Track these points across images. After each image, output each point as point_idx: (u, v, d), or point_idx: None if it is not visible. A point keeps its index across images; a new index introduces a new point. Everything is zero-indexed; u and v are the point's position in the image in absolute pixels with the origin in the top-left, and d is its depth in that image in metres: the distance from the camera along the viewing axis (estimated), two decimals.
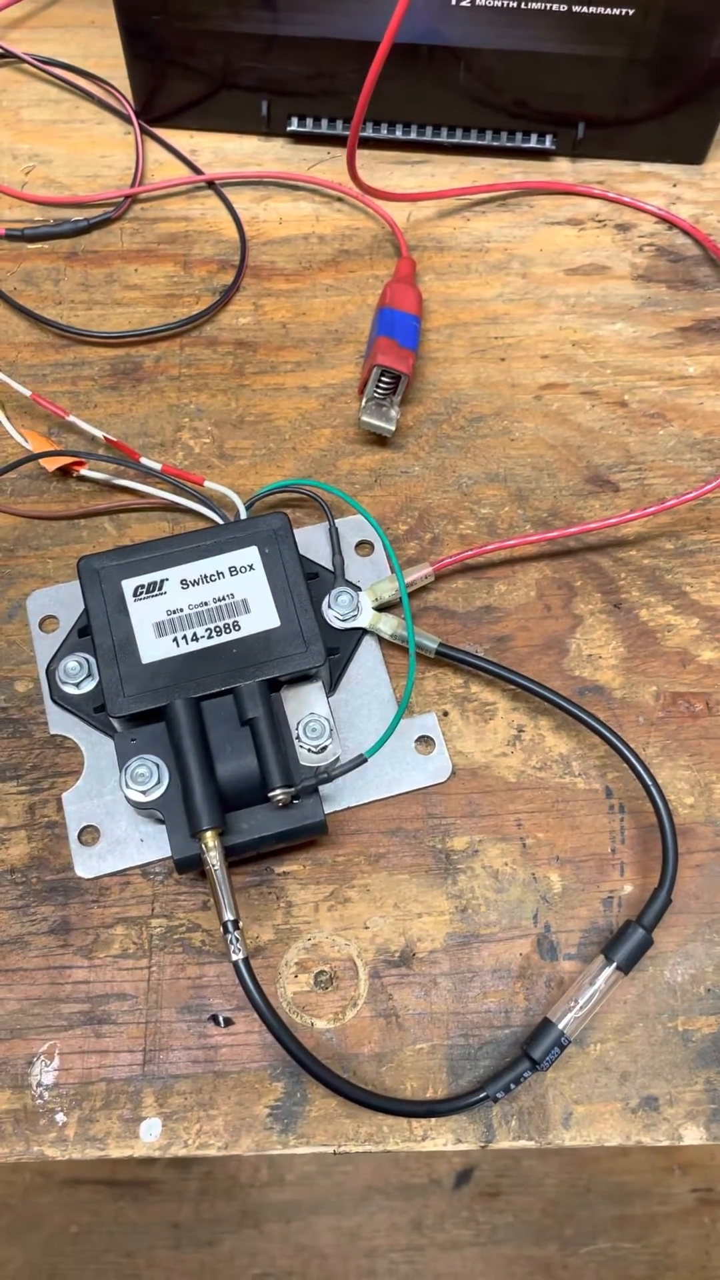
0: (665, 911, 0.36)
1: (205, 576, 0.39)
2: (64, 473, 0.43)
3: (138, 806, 0.37)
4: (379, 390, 0.43)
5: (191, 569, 0.39)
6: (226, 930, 0.34)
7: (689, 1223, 1.04)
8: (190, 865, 0.36)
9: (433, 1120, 0.35)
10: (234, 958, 0.34)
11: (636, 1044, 0.36)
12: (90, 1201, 1.04)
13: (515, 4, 0.44)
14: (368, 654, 0.41)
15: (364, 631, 0.41)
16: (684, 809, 0.39)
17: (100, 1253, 1.02)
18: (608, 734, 0.38)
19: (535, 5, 0.44)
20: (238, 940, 0.34)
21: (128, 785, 0.36)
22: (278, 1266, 1.02)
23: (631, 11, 0.44)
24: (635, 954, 0.35)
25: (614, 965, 0.35)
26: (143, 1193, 1.07)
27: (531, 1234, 1.05)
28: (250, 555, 0.39)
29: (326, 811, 0.38)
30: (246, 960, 0.34)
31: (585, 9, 0.44)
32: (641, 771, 0.37)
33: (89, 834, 0.38)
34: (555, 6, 0.44)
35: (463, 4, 0.44)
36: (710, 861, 0.38)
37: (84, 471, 0.43)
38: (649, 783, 0.37)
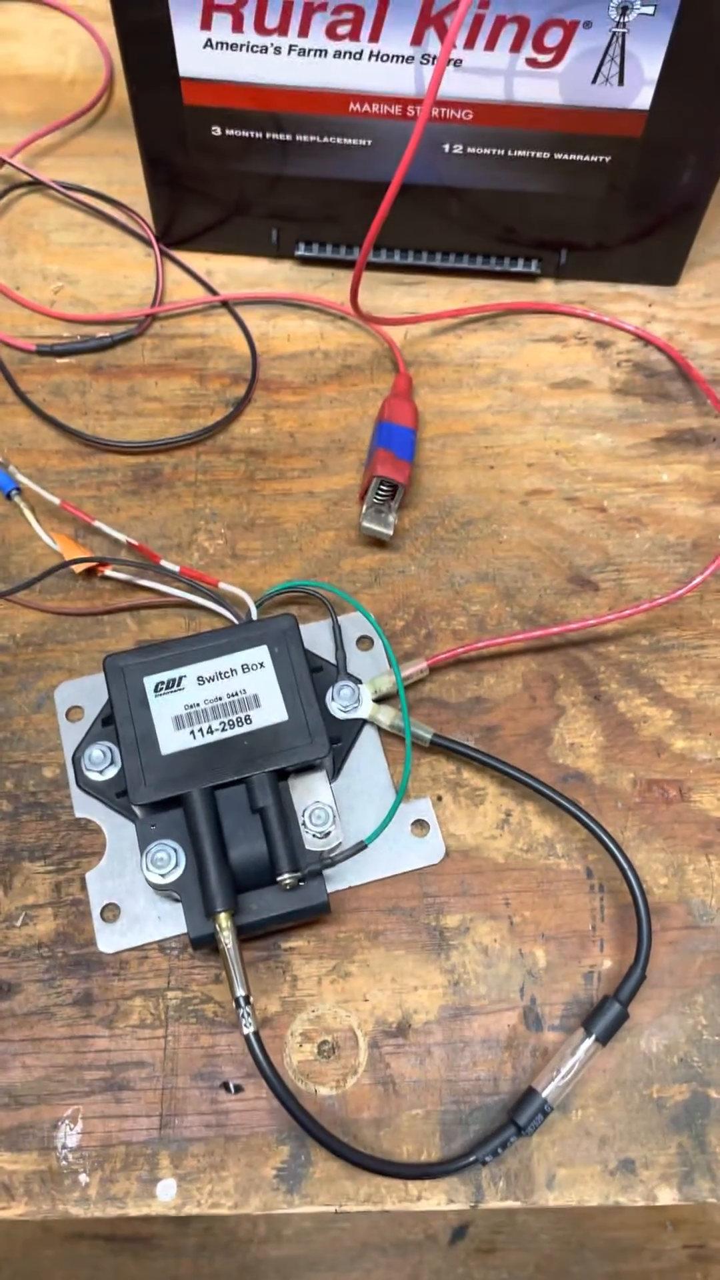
0: (640, 987, 0.39)
1: (220, 673, 0.42)
2: (89, 573, 0.47)
3: (157, 888, 0.40)
4: (378, 497, 0.47)
5: (207, 666, 0.42)
6: (239, 1005, 0.37)
7: (681, 1278, 1.05)
8: (205, 943, 0.39)
9: (426, 1182, 0.38)
10: (245, 1031, 0.37)
11: (615, 1110, 0.39)
12: (90, 1257, 1.05)
13: (502, 152, 0.48)
14: (368, 743, 0.45)
15: (364, 722, 0.45)
16: (658, 889, 0.43)
17: None
18: (587, 819, 0.41)
19: (520, 153, 0.48)
20: (249, 1015, 0.37)
21: (148, 869, 0.39)
22: None
23: (608, 158, 0.48)
24: (612, 1027, 0.39)
25: (593, 1037, 0.38)
26: (142, 1248, 1.08)
27: None
28: (261, 654, 0.43)
29: (329, 891, 0.42)
30: (257, 1033, 0.37)
31: (566, 156, 0.48)
32: (618, 855, 0.41)
33: (110, 911, 0.42)
34: (538, 154, 0.48)
35: (455, 151, 0.49)
36: (683, 939, 0.42)
37: (108, 572, 0.47)
38: (624, 864, 0.40)
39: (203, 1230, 1.04)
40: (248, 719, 0.42)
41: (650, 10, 0.42)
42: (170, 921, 0.41)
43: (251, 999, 0.37)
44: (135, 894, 0.42)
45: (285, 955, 0.41)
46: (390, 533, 0.47)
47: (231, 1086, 0.39)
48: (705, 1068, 0.40)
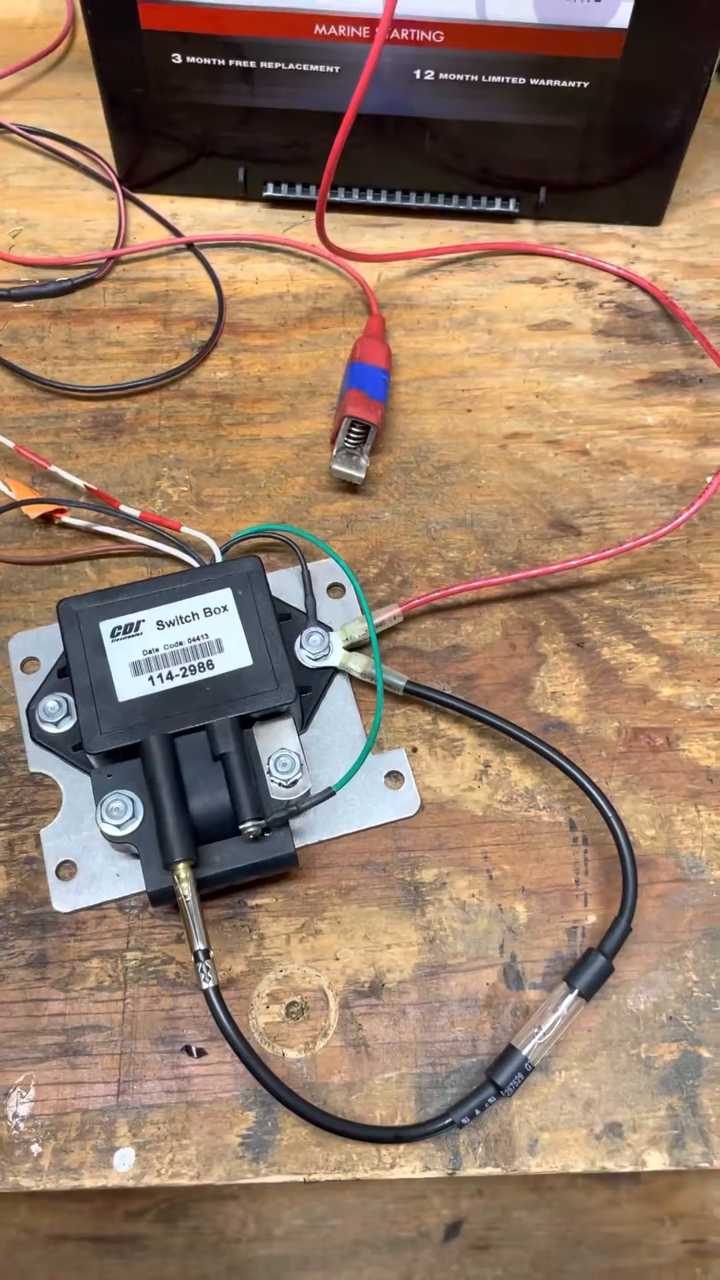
0: (626, 939, 0.37)
1: (180, 618, 0.40)
2: (46, 520, 0.45)
3: (113, 841, 0.38)
4: (349, 440, 0.45)
5: (167, 610, 0.40)
6: (197, 960, 0.35)
7: (680, 1274, 1.03)
8: (164, 898, 0.37)
9: (400, 1147, 0.36)
10: (204, 986, 0.34)
11: (600, 1071, 0.37)
12: (75, 1259, 1.02)
13: (477, 78, 0.46)
14: (339, 693, 0.42)
15: (335, 670, 0.42)
16: (645, 840, 0.40)
17: None
18: (570, 768, 0.39)
19: (495, 79, 0.46)
20: (208, 969, 0.35)
21: (103, 819, 0.37)
22: None
23: (586, 84, 0.46)
24: (597, 981, 0.36)
25: (576, 992, 0.36)
26: (129, 1249, 1.05)
27: None
28: (224, 597, 0.41)
29: (298, 846, 0.40)
30: (217, 989, 0.35)
31: (543, 82, 0.46)
32: (601, 802, 0.38)
33: (66, 869, 0.39)
34: (514, 80, 0.46)
35: (427, 77, 0.47)
36: (671, 892, 0.40)
37: (65, 519, 0.45)
38: (609, 813, 0.38)
39: (191, 1230, 1.02)
40: (210, 664, 0.39)
41: None
42: (130, 879, 0.39)
43: (212, 954, 0.35)
44: (93, 851, 0.40)
45: (251, 913, 0.39)
46: (362, 476, 0.45)
47: (194, 1050, 0.37)
48: (696, 1026, 0.38)
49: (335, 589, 0.44)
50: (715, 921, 0.39)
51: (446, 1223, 1.03)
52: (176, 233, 0.52)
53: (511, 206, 0.52)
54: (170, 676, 0.39)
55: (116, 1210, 1.03)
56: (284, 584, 0.44)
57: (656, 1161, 0.36)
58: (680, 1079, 0.37)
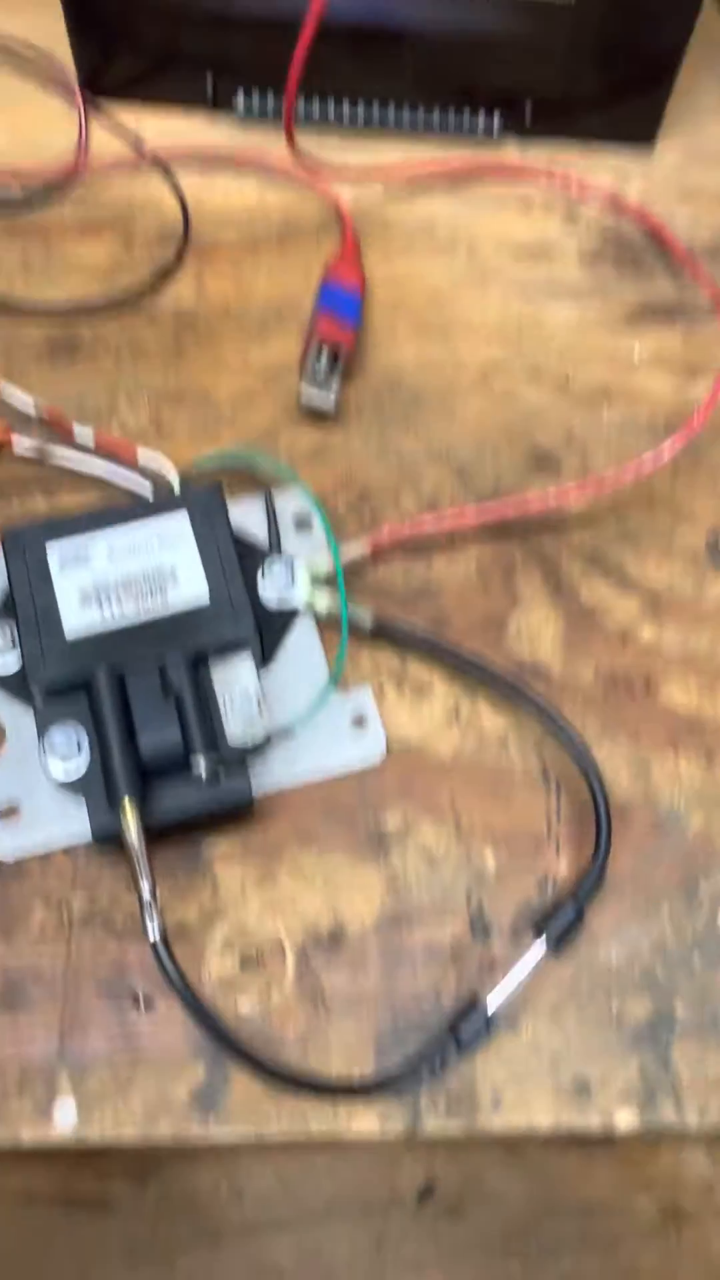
0: (598, 890, 0.35)
1: (134, 547, 0.38)
2: None
3: (58, 781, 0.36)
4: (319, 366, 0.43)
5: (119, 539, 0.38)
6: (143, 905, 0.33)
7: (653, 1239, 1.02)
8: (109, 837, 0.35)
9: (358, 1103, 0.34)
10: (150, 936, 0.32)
11: (569, 1026, 0.35)
12: (44, 1220, 1.01)
13: None
14: (302, 631, 0.40)
15: (298, 608, 0.40)
16: (621, 788, 0.38)
17: (55, 1273, 1.00)
18: (544, 711, 0.37)
19: None
20: (155, 916, 0.33)
21: (47, 756, 0.35)
22: None
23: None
24: (566, 932, 0.35)
25: (545, 943, 0.34)
26: (98, 1211, 1.04)
27: (496, 1250, 1.03)
28: (181, 525, 0.38)
29: (257, 791, 0.37)
30: (164, 937, 0.33)
31: None
32: (575, 746, 0.36)
33: (8, 812, 0.37)
34: None
35: None
36: (647, 842, 0.38)
37: (14, 443, 0.42)
38: (584, 759, 0.36)
39: (161, 1192, 1.01)
40: (164, 596, 0.37)
41: None
42: (77, 823, 0.37)
43: (159, 899, 0.33)
44: (37, 793, 0.37)
45: (206, 858, 0.37)
46: (332, 405, 0.43)
47: (141, 1001, 0.35)
48: (670, 981, 0.36)
49: (301, 522, 0.42)
50: (692, 873, 0.37)
51: (419, 1186, 1.02)
52: (140, 147, 0.49)
53: (495, 124, 0.49)
54: (121, 609, 0.37)
55: (86, 1171, 1.02)
56: (247, 515, 0.41)
57: (626, 1120, 0.34)
58: (653, 1035, 0.35)
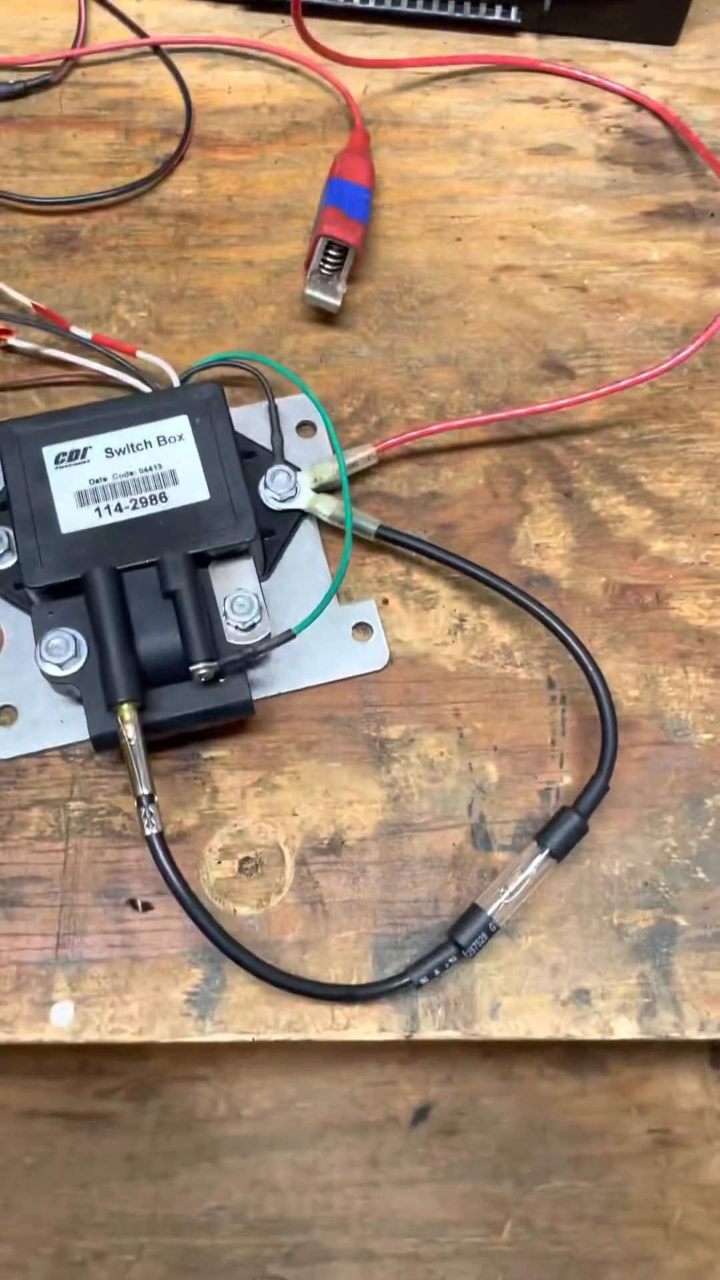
0: (602, 799, 0.35)
1: (132, 445, 0.37)
2: None
3: (54, 681, 0.35)
4: (325, 263, 0.41)
5: (117, 437, 0.37)
6: (141, 805, 0.32)
7: (644, 1163, 1.05)
8: (108, 742, 0.34)
9: (355, 1008, 0.34)
10: (147, 832, 0.32)
11: (569, 936, 0.35)
12: (45, 1133, 1.03)
13: None
14: (305, 538, 0.39)
15: (302, 514, 0.39)
16: (628, 701, 0.38)
17: (54, 1185, 1.02)
18: (552, 621, 0.36)
19: None
20: (153, 815, 0.32)
21: (43, 658, 0.34)
22: (233, 1200, 1.02)
23: None
24: (569, 841, 0.34)
25: (547, 852, 0.34)
26: (99, 1125, 1.06)
27: (487, 1171, 1.05)
28: (180, 425, 0.37)
29: (258, 697, 0.37)
30: (161, 835, 0.32)
31: None
32: (582, 656, 0.36)
33: (6, 714, 0.37)
34: None
35: None
36: (652, 755, 0.37)
37: (10, 341, 0.41)
38: (590, 668, 0.36)
39: (161, 1108, 1.02)
40: (163, 497, 0.36)
41: None
42: (74, 725, 0.36)
43: (157, 801, 0.33)
44: (35, 695, 0.37)
45: (205, 765, 0.37)
46: (338, 304, 0.41)
47: (139, 904, 0.35)
48: (673, 893, 0.35)
49: (305, 427, 0.41)
50: (698, 787, 0.37)
51: (414, 1107, 1.03)
52: (141, 33, 0.47)
53: (513, 16, 0.47)
54: (119, 508, 0.36)
55: (87, 1088, 1.04)
56: (249, 420, 0.40)
57: (625, 1030, 0.34)
58: (654, 947, 0.35)
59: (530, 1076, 1.02)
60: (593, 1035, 0.34)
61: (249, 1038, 0.34)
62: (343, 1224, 0.99)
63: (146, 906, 0.35)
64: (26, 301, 0.41)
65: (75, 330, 0.40)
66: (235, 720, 0.36)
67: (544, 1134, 1.03)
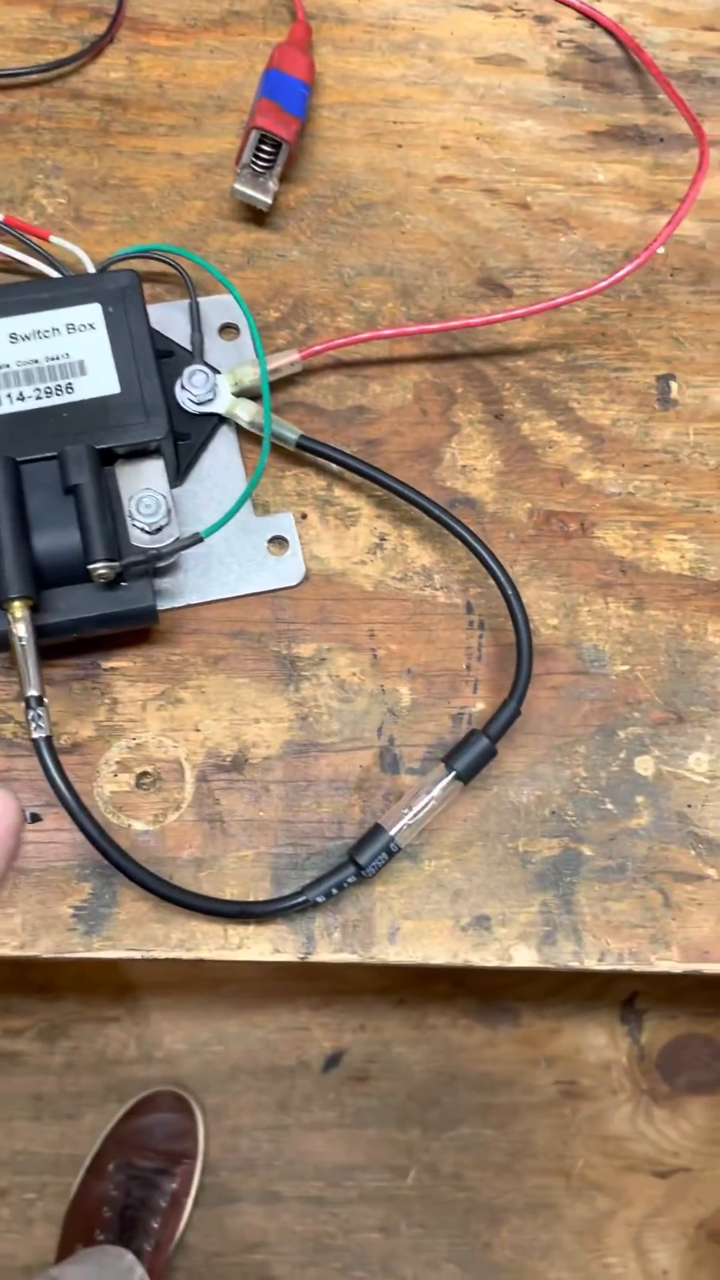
0: (512, 724, 0.34)
1: (38, 331, 0.34)
2: None
3: None
4: (258, 159, 0.39)
5: (22, 322, 0.34)
6: (29, 707, 0.31)
7: (550, 1114, 1.06)
8: None
9: (250, 928, 0.33)
10: (34, 735, 0.30)
11: (473, 862, 0.34)
12: None
13: None
14: (223, 445, 0.37)
15: (219, 419, 0.37)
16: (546, 629, 0.37)
17: None
18: (472, 540, 0.35)
19: None
20: (41, 719, 0.30)
21: None
22: None
23: None
24: (477, 764, 0.33)
25: (453, 774, 0.33)
26: (6, 1064, 1.05)
27: (395, 1118, 1.06)
28: (92, 313, 0.35)
29: (165, 608, 0.35)
30: (49, 740, 0.30)
31: None
32: (501, 578, 0.35)
33: None
34: None
35: None
36: (568, 684, 0.36)
37: None
38: (508, 590, 0.34)
39: (70, 1049, 1.01)
40: (69, 388, 0.34)
41: None
42: None
43: (46, 702, 0.31)
44: None
45: (105, 676, 0.35)
46: (269, 202, 0.39)
47: (28, 815, 0.33)
48: (580, 823, 0.35)
49: (228, 330, 0.39)
50: (612, 718, 0.36)
51: (327, 1054, 1.04)
52: None
53: None
54: (21, 397, 0.34)
55: None
56: (169, 318, 0.38)
57: (524, 957, 0.34)
58: (557, 875, 0.34)
59: (443, 1026, 1.03)
60: (491, 962, 0.33)
61: (137, 954, 0.32)
62: (249, 1166, 1.00)
63: (35, 818, 0.33)
64: None
65: None
66: (138, 630, 0.35)
67: (453, 1083, 1.05)
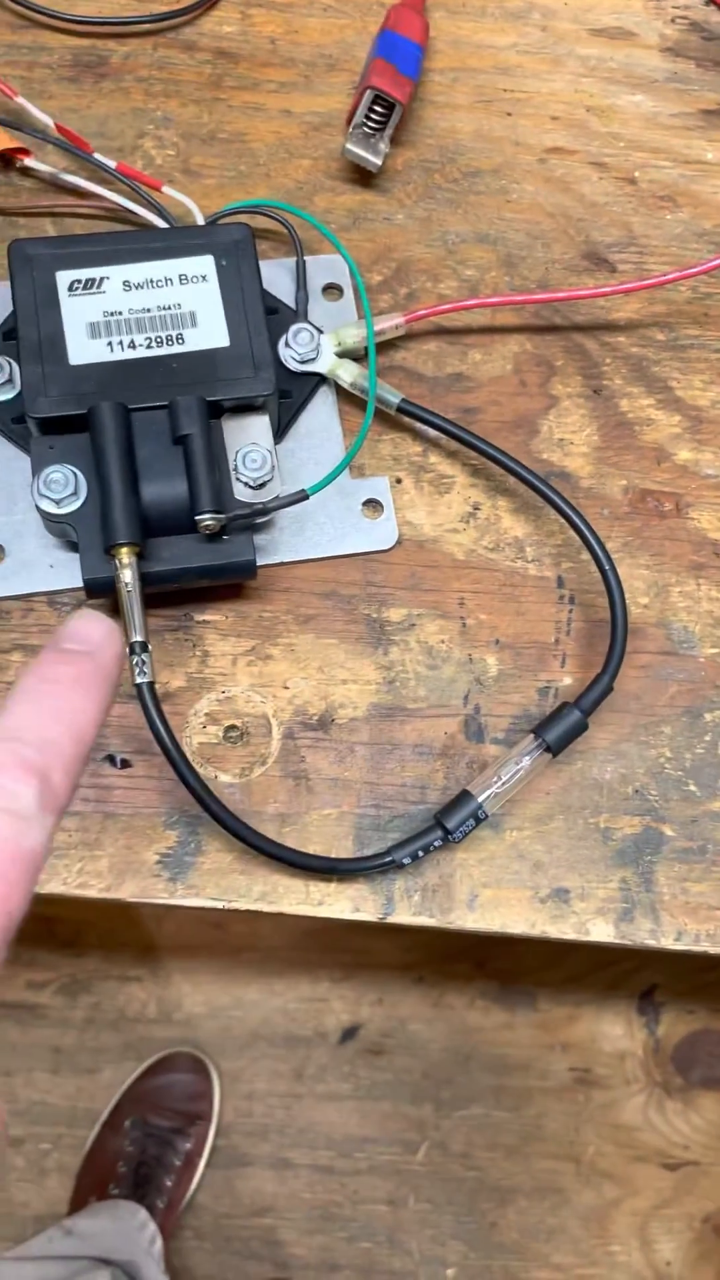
0: (604, 699, 0.34)
1: (152, 281, 0.34)
2: (5, 163, 0.38)
3: (50, 520, 0.33)
4: (370, 119, 0.39)
5: (136, 270, 0.34)
6: (133, 652, 0.31)
7: (563, 1099, 1.07)
8: (101, 589, 0.32)
9: (331, 885, 0.33)
10: (138, 680, 0.30)
11: (554, 835, 0.34)
12: None
13: None
14: (322, 405, 0.37)
15: (321, 378, 0.37)
16: (637, 608, 0.37)
17: None
18: (571, 513, 0.35)
19: None
20: (145, 664, 0.31)
21: (41, 493, 0.32)
22: None
23: None
24: (567, 736, 0.33)
25: (544, 745, 0.33)
26: (28, 1016, 1.06)
27: (408, 1094, 1.07)
28: (205, 265, 0.35)
29: (260, 564, 0.35)
30: (151, 685, 0.31)
31: None
32: (599, 552, 0.34)
33: None
34: None
35: None
36: (656, 664, 0.36)
37: (28, 162, 0.38)
38: (605, 565, 0.34)
39: (92, 1005, 1.02)
40: (180, 338, 0.34)
41: None
42: (65, 571, 0.35)
43: (150, 649, 0.31)
44: (25, 536, 0.35)
45: (198, 628, 0.35)
46: (379, 164, 0.39)
47: (118, 760, 0.34)
48: (662, 803, 0.35)
49: (331, 290, 0.39)
50: (699, 700, 0.36)
51: (344, 1026, 1.04)
52: None
53: None
54: (133, 345, 0.34)
55: (18, 978, 1.04)
56: (274, 276, 0.38)
57: (602, 932, 0.34)
58: (638, 853, 0.34)
59: (460, 1006, 1.04)
60: (569, 935, 0.34)
61: (219, 904, 0.33)
62: (262, 1131, 1.01)
63: (125, 764, 0.33)
64: (48, 120, 0.38)
65: (99, 156, 0.38)
66: (234, 583, 0.35)
67: (468, 1063, 1.05)
